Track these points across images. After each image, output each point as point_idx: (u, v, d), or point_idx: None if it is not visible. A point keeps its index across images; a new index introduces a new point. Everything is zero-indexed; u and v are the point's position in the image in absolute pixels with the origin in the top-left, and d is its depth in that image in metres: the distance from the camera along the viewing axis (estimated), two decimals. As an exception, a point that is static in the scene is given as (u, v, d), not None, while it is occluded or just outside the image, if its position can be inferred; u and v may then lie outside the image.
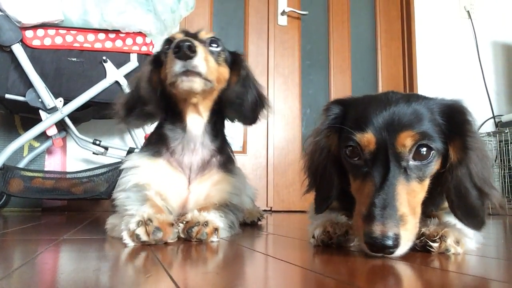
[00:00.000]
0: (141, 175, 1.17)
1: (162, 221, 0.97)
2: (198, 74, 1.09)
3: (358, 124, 0.85)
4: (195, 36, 1.18)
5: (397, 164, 0.81)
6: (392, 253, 0.75)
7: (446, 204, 0.91)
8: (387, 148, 0.81)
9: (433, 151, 0.82)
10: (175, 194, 1.19)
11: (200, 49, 1.08)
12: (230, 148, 1.37)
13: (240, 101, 1.25)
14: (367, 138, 0.82)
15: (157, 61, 1.22)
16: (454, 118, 0.86)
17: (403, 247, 0.76)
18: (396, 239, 0.74)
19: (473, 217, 0.84)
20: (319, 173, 0.99)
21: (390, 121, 0.82)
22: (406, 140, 0.80)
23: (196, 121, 1.23)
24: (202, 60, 1.09)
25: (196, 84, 1.10)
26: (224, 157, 1.28)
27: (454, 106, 0.87)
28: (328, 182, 0.97)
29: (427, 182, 0.85)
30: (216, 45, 1.21)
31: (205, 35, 1.20)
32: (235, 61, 1.28)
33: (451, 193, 0.84)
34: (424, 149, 0.82)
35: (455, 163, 0.84)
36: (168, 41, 1.18)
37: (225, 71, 1.24)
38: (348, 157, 0.88)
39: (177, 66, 1.07)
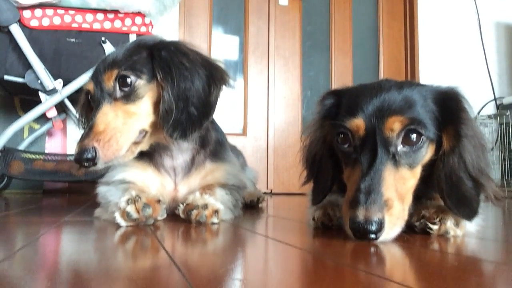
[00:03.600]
0: (127, 173, 1.15)
1: (150, 199, 1.00)
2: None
3: (349, 112, 0.84)
4: (99, 82, 1.05)
5: (385, 150, 0.80)
6: (377, 238, 0.74)
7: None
8: (376, 134, 0.80)
9: (423, 137, 0.82)
10: (162, 192, 1.16)
11: None
12: (219, 132, 1.31)
13: (181, 104, 1.04)
14: (356, 124, 0.82)
15: None
16: (448, 105, 0.84)
17: (389, 232, 0.75)
18: (380, 224, 0.73)
19: (464, 206, 0.82)
20: (316, 164, 0.99)
21: (380, 107, 0.81)
22: (394, 125, 0.80)
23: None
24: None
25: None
26: (212, 147, 1.24)
27: (448, 93, 0.86)
28: (325, 173, 0.97)
29: (418, 169, 0.84)
30: (126, 85, 1.04)
31: (109, 79, 1.04)
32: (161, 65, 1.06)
33: (442, 181, 0.83)
34: (414, 134, 0.81)
35: (447, 150, 0.83)
36: None
37: (145, 105, 1.07)
38: (339, 145, 0.87)
39: None
